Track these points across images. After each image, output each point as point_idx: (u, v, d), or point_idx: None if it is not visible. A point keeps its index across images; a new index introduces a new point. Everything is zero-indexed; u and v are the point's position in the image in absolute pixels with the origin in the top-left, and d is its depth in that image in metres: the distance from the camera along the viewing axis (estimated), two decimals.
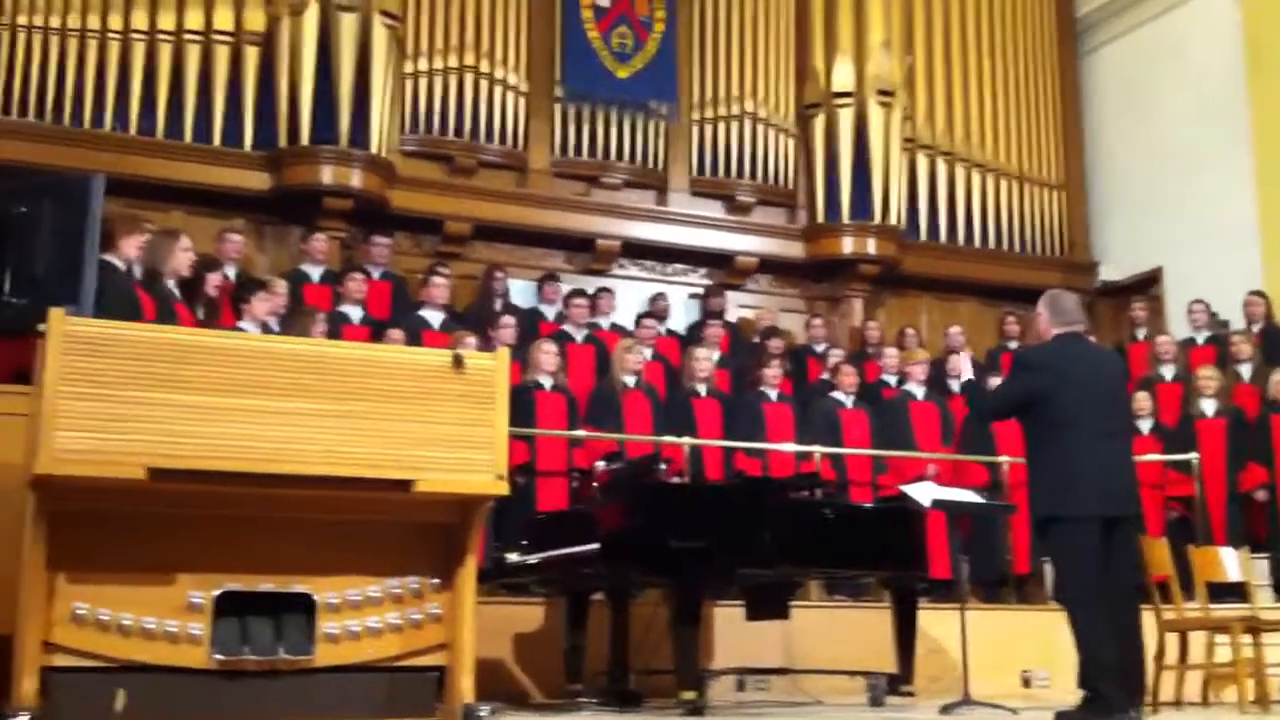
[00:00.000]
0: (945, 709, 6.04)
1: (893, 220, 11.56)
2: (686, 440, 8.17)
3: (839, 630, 7.56)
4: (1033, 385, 5.57)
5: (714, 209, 11.39)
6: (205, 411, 4.36)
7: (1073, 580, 5.43)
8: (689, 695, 5.63)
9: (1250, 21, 11.19)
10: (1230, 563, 7.03)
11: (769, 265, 11.60)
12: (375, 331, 8.31)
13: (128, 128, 9.35)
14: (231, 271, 8.29)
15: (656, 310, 10.33)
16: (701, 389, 8.81)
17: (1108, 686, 5.23)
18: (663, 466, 6.83)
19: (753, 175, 11.44)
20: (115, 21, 9.40)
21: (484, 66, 10.51)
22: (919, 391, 9.35)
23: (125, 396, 4.27)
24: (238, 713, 4.41)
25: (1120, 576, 5.48)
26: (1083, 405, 5.45)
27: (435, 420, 4.68)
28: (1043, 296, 5.84)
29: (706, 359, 8.92)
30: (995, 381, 9.11)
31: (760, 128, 11.49)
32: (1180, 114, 11.87)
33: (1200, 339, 10.35)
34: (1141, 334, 10.72)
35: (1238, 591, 7.46)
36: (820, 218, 11.54)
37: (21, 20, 9.16)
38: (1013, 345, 10.83)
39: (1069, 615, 5.40)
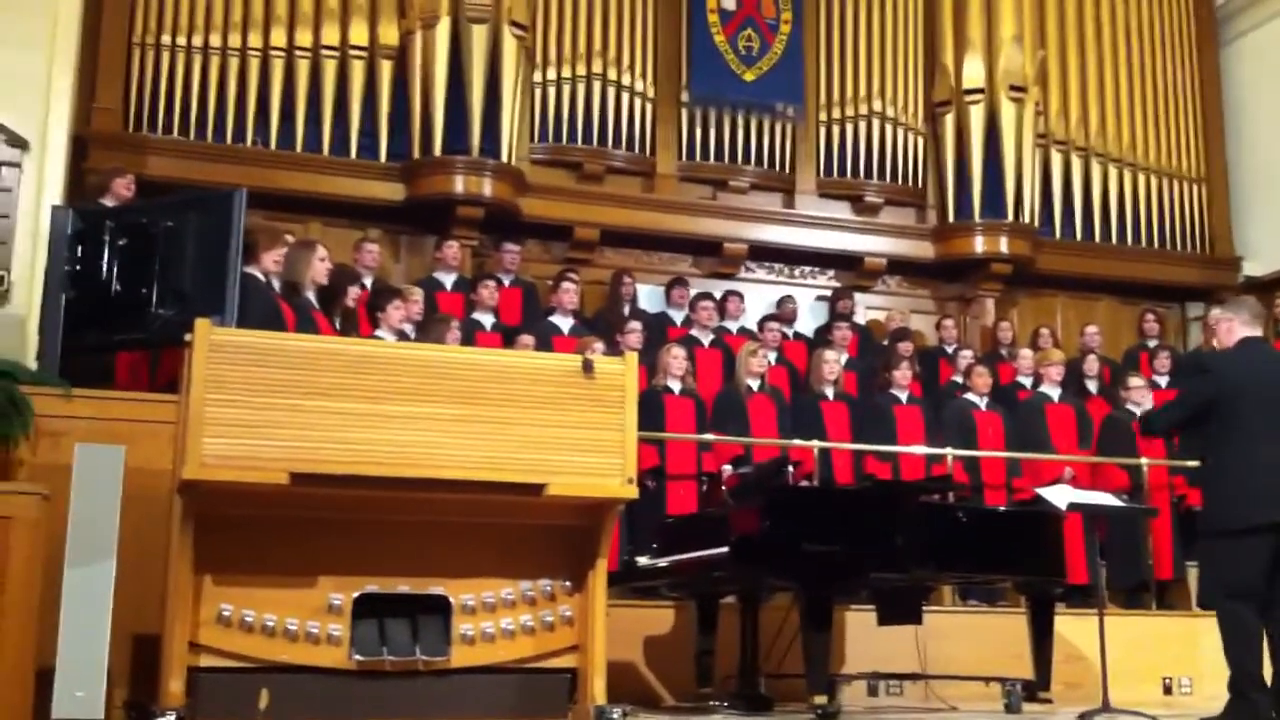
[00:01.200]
0: (1084, 716, 5.92)
1: (1025, 218, 11.34)
2: (816, 443, 8.13)
3: (973, 635, 7.45)
4: (1208, 389, 5.47)
5: (842, 210, 11.31)
6: (344, 417, 4.49)
7: (1232, 585, 5.29)
8: (820, 700, 5.61)
9: None
10: None
11: (898, 266, 11.48)
12: (506, 337, 8.43)
13: (268, 142, 9.63)
14: (368, 281, 8.47)
15: (783, 314, 10.28)
16: (829, 391, 8.76)
17: (1256, 694, 5.15)
18: (790, 469, 6.81)
19: (880, 175, 11.33)
20: (255, 39, 9.67)
21: (611, 74, 10.59)
22: (1054, 393, 9.17)
23: (268, 404, 4.41)
24: (376, 712, 4.53)
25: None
26: (1256, 410, 5.35)
27: (565, 425, 4.75)
28: (1226, 302, 5.74)
29: (834, 361, 8.87)
30: (1135, 381, 8.98)
31: (888, 127, 11.38)
32: None
33: None
34: None
35: None
36: (951, 217, 11.38)
37: (165, 40, 9.49)
38: (1151, 344, 10.57)
39: (1219, 621, 5.30)
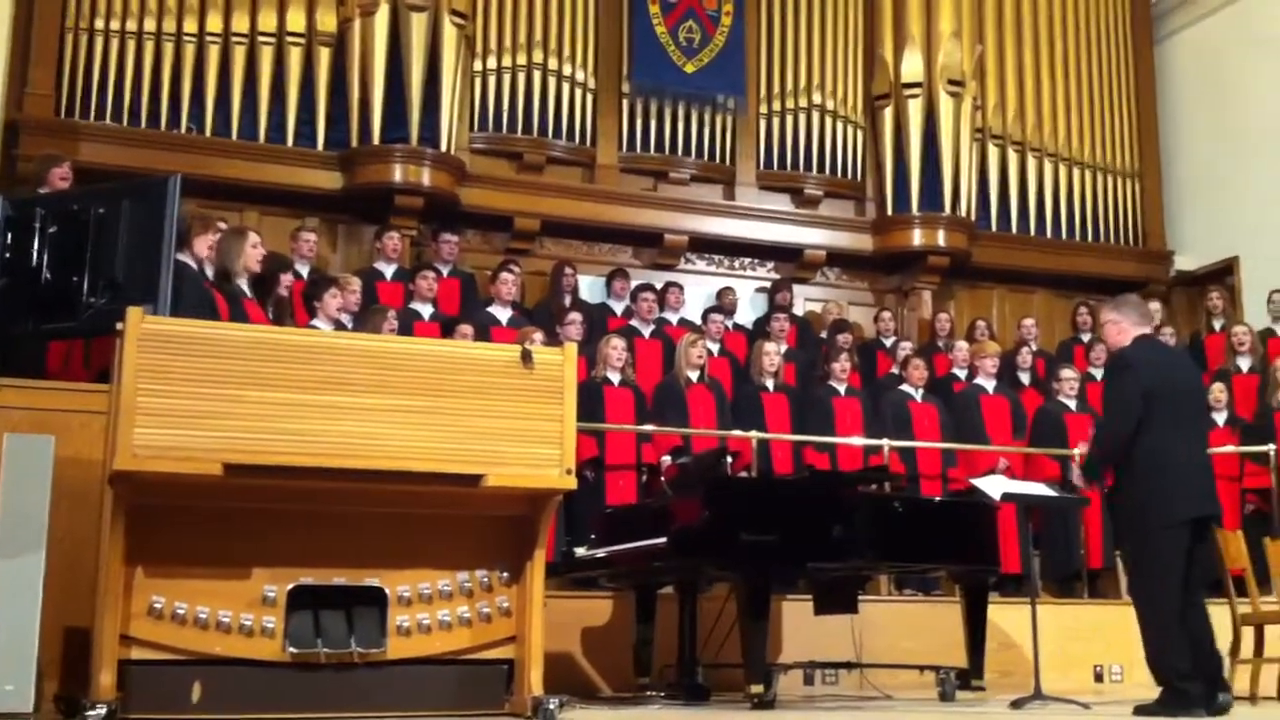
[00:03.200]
0: (1016, 704, 6.00)
1: (963, 211, 11.46)
2: (755, 434, 8.17)
3: (908, 625, 7.53)
4: (1142, 381, 5.48)
5: (782, 202, 11.36)
6: (279, 408, 4.45)
7: (1160, 581, 5.38)
8: (757, 689, 5.63)
9: None
10: None
11: (837, 258, 11.55)
12: (445, 328, 8.40)
13: (204, 129, 9.51)
14: (305, 270, 8.41)
15: (724, 305, 10.32)
16: (769, 383, 8.80)
17: (1187, 683, 5.25)
18: (729, 460, 6.84)
19: (820, 168, 11.39)
20: (190, 25, 9.55)
21: (552, 63, 10.56)
22: (989, 385, 9.27)
23: (201, 394, 4.36)
24: (310, 705, 4.50)
25: (1200, 576, 5.48)
26: (1172, 405, 5.45)
27: (504, 415, 4.73)
28: (1109, 303, 5.81)
29: (774, 353, 8.91)
30: (1067, 374, 9.09)
31: (828, 120, 11.44)
32: (1257, 100, 11.66)
33: (1278, 329, 10.17)
34: (1218, 324, 10.55)
35: None
36: (889, 210, 11.47)
37: (99, 25, 9.35)
38: (1085, 337, 10.71)
39: (1146, 613, 5.42)
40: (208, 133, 9.52)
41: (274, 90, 9.74)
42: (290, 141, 9.75)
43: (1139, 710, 5.37)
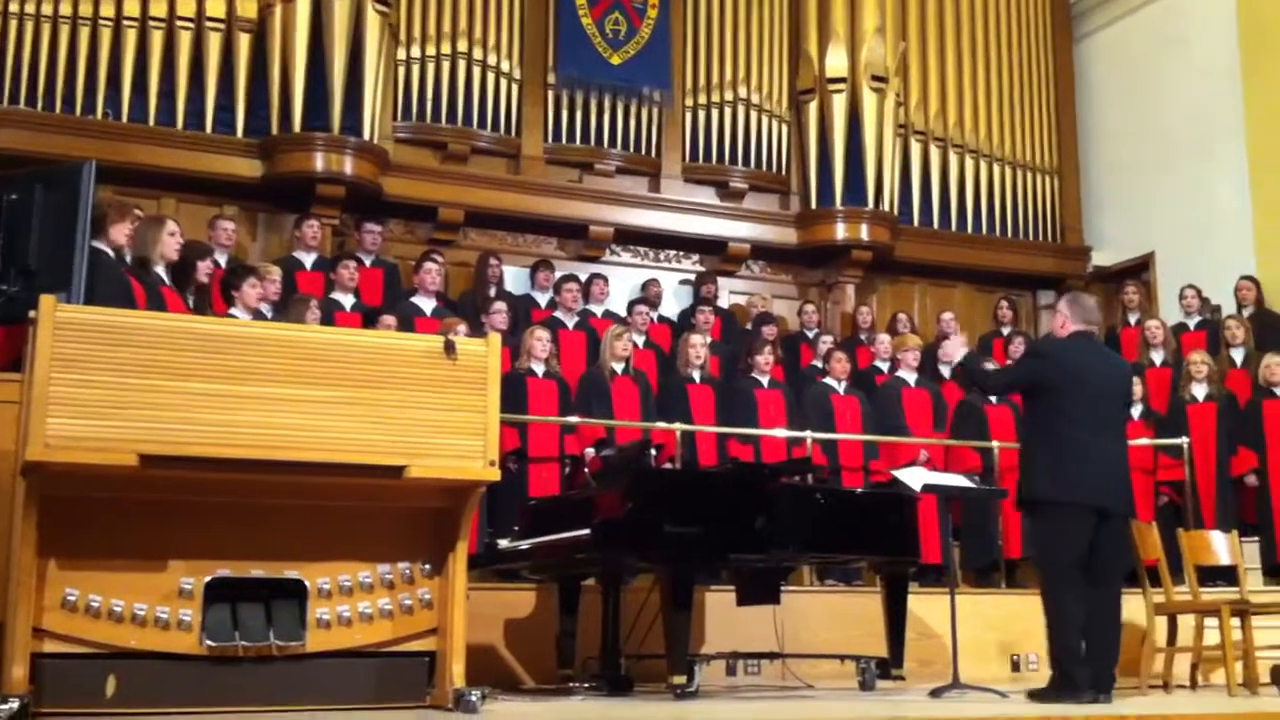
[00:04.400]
0: (935, 692, 6.07)
1: (886, 206, 11.57)
2: (679, 426, 8.19)
3: (830, 615, 7.60)
4: (1039, 374, 5.74)
5: (707, 195, 11.39)
6: (197, 398, 4.37)
7: (1053, 565, 5.55)
8: (679, 680, 5.65)
9: (1245, 7, 11.19)
10: (1220, 546, 7.09)
11: (762, 251, 11.61)
12: (367, 318, 8.32)
13: (120, 115, 9.34)
14: (223, 259, 8.29)
15: (649, 296, 10.34)
16: (695, 375, 8.83)
17: (1075, 669, 5.41)
18: (653, 452, 6.85)
19: (746, 161, 11.44)
20: (107, 8, 9.36)
21: (477, 53, 10.50)
22: (911, 377, 9.37)
23: (117, 383, 4.28)
24: (229, 699, 4.43)
25: (1107, 571, 5.61)
26: (1085, 400, 5.61)
27: (427, 406, 4.69)
28: (1065, 296, 6.09)
29: (699, 345, 8.93)
30: (990, 366, 9.20)
31: (753, 114, 11.49)
32: (1174, 100, 11.88)
33: (1192, 324, 10.39)
34: (1133, 319, 10.73)
35: (1227, 575, 7.51)
36: (813, 204, 11.54)
37: (13, 7, 9.15)
38: (1005, 331, 10.87)
39: (1044, 597, 5.58)
40: (124, 118, 9.34)
41: (192, 76, 9.59)
42: (209, 128, 9.60)
43: (1032, 695, 5.54)
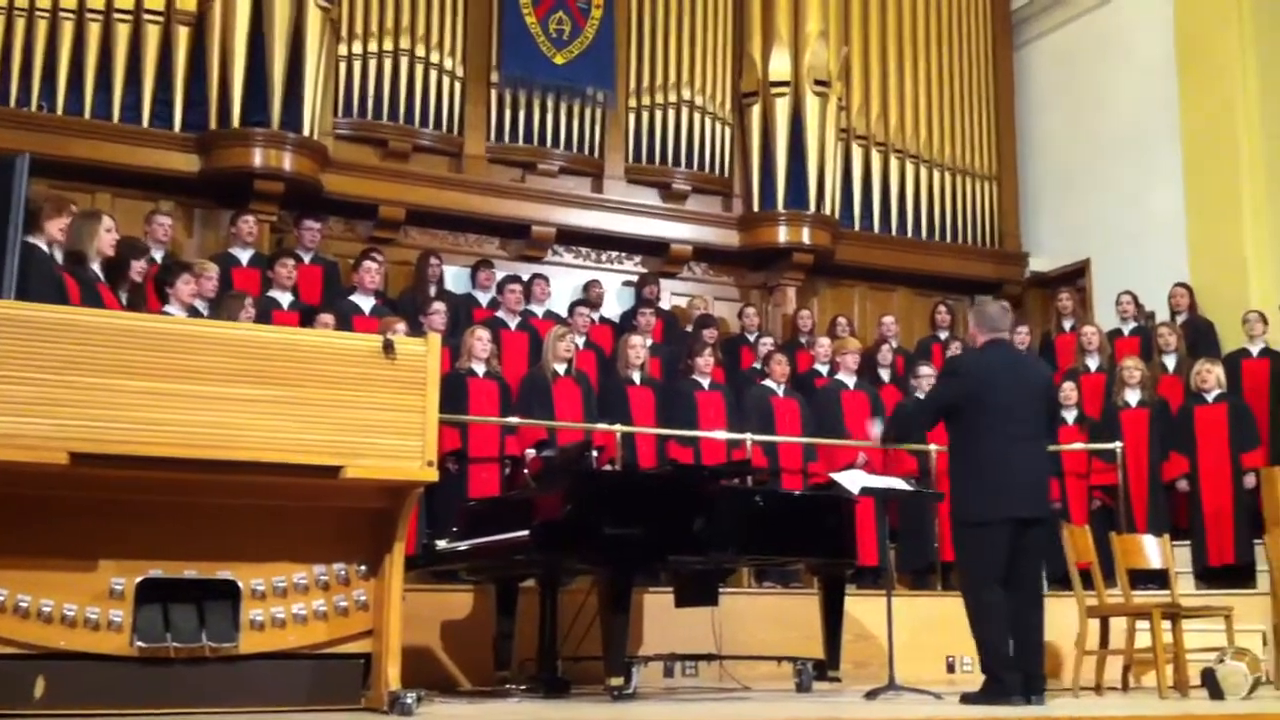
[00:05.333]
0: (871, 694, 6.11)
1: (827, 210, 11.63)
2: (619, 427, 8.19)
3: (767, 617, 7.63)
4: (958, 391, 5.79)
5: (649, 197, 11.39)
6: (130, 396, 4.32)
7: (978, 577, 5.60)
8: (616, 682, 5.65)
9: (1182, 17, 11.34)
10: (1152, 550, 7.17)
11: (704, 253, 11.63)
12: (305, 316, 8.24)
13: (55, 108, 9.18)
14: (159, 255, 8.18)
15: (590, 298, 10.34)
16: (635, 376, 8.83)
17: (1005, 673, 5.48)
18: (594, 454, 6.84)
19: (689, 163, 11.45)
20: None
21: (419, 50, 10.43)
22: (850, 380, 9.43)
23: (48, 380, 4.23)
24: (159, 700, 4.39)
25: (1029, 577, 5.69)
26: (1003, 411, 5.67)
27: (365, 406, 4.66)
28: (972, 309, 6.11)
29: (640, 346, 8.94)
30: (925, 370, 9.29)
31: (697, 116, 11.51)
32: (1112, 108, 12.03)
33: (1126, 330, 10.53)
34: (1068, 324, 10.86)
35: (1159, 579, 7.61)
36: (755, 206, 11.58)
37: None
38: (943, 335, 10.96)
39: (970, 606, 5.64)
40: (60, 111, 9.17)
41: (130, 69, 9.43)
42: (146, 122, 9.46)
43: (964, 698, 5.59)
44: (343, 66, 10.23)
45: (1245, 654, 6.30)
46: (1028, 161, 13.03)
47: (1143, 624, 6.89)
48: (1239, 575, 8.79)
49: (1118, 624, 7.13)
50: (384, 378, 4.71)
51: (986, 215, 12.76)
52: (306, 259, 9.24)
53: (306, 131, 9.65)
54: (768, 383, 9.21)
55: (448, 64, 10.59)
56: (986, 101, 13.02)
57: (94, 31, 9.31)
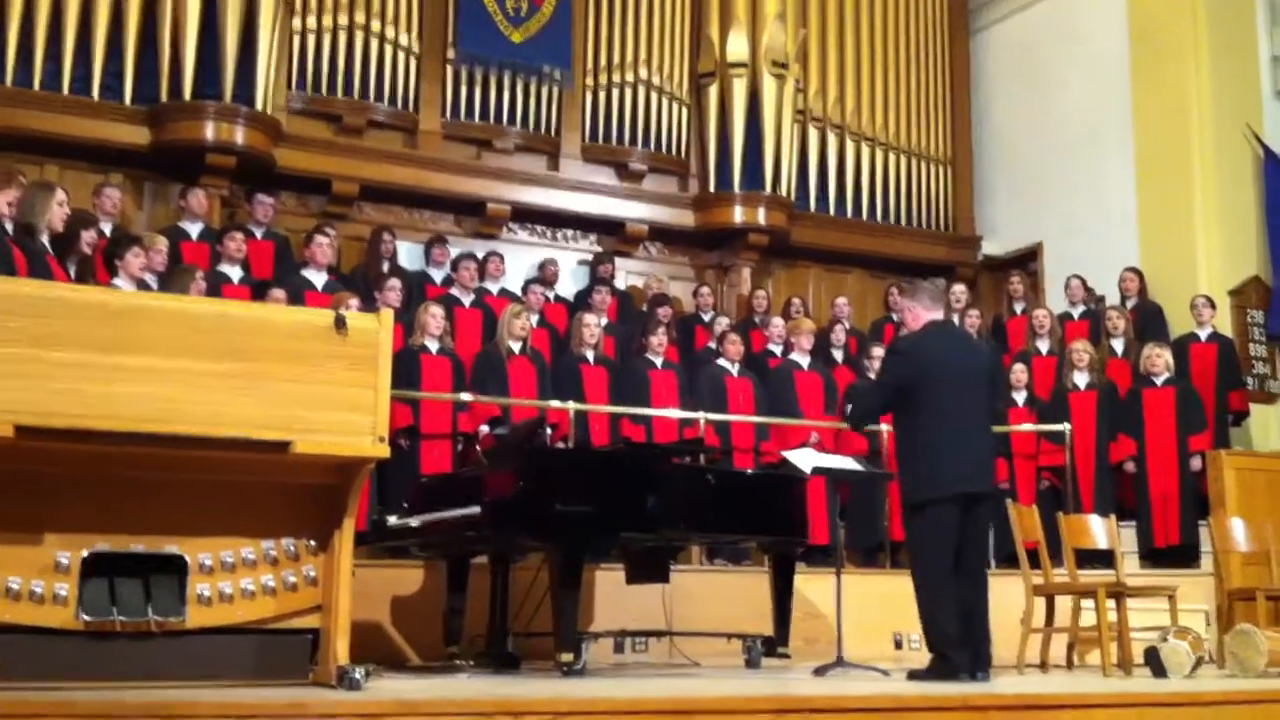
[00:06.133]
0: (819, 670, 6.16)
1: (783, 191, 11.65)
2: (572, 405, 8.19)
3: (718, 594, 7.66)
4: (903, 371, 5.84)
5: (606, 176, 11.38)
6: (76, 369, 4.26)
7: (928, 556, 5.66)
8: (567, 658, 5.66)
9: (1136, 6, 11.44)
10: (1098, 530, 7.27)
11: (659, 233, 11.64)
12: (256, 291, 8.19)
13: (3, 79, 9.04)
14: (108, 228, 8.09)
15: (545, 276, 10.33)
16: (589, 355, 8.83)
17: (952, 651, 5.56)
18: (548, 431, 6.85)
19: (645, 143, 11.44)
20: None
21: (375, 25, 10.35)
22: (804, 361, 9.48)
23: None
24: (105, 674, 4.34)
25: (974, 555, 5.76)
26: (946, 391, 5.73)
27: (315, 381, 4.62)
28: (907, 289, 6.13)
29: (594, 325, 8.94)
30: (878, 351, 9.34)
31: (654, 96, 11.49)
32: (1067, 94, 12.11)
33: (1076, 314, 10.63)
34: (1019, 308, 10.96)
35: (1105, 558, 7.70)
36: (712, 187, 11.59)
37: None
38: (896, 317, 11.01)
39: (919, 588, 5.70)
40: (8, 82, 9.03)
41: (80, 40, 9.29)
42: (96, 94, 9.33)
43: (912, 675, 5.66)
44: (297, 40, 10.13)
45: (1188, 633, 6.38)
46: (982, 146, 13.11)
47: (1088, 603, 6.97)
48: (1183, 556, 8.93)
49: (1063, 603, 7.22)
50: (336, 353, 4.67)
51: (940, 199, 12.83)
52: (258, 234, 9.18)
53: (259, 105, 9.56)
54: (722, 362, 9.23)
55: (403, 40, 10.51)
56: (942, 86, 13.08)
57: (44, 2, 9.17)
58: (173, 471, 4.56)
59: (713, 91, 11.68)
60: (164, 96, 9.43)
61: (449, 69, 10.76)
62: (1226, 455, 8.95)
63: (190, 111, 9.39)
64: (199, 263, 8.24)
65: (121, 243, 7.23)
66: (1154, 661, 6.22)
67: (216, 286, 8.01)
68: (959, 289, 10.83)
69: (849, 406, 6.44)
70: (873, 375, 9.32)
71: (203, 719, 3.58)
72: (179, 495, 4.58)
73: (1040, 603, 7.09)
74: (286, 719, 3.63)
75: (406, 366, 7.81)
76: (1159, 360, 9.21)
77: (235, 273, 8.52)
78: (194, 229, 8.93)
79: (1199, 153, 10.71)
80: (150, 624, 4.43)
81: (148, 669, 4.43)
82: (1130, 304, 10.35)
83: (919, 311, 5.98)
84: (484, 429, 8.00)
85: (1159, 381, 9.19)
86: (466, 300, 9.34)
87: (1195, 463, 8.97)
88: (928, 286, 6.21)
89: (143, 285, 7.08)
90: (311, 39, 10.17)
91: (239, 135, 9.47)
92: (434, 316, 8.28)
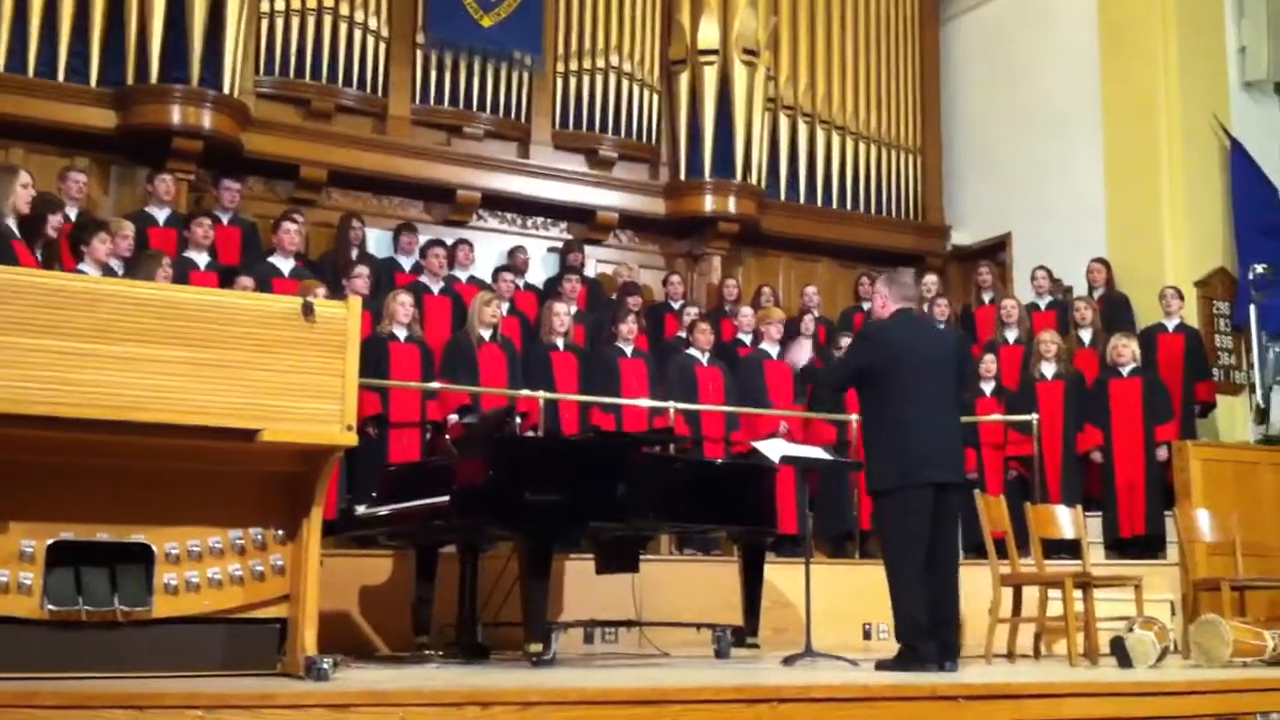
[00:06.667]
0: (788, 660, 6.17)
1: (754, 179, 11.65)
2: (542, 394, 8.17)
3: (688, 584, 7.66)
4: (870, 357, 5.86)
5: (576, 163, 11.34)
6: (43, 355, 4.21)
7: (899, 546, 5.68)
8: (536, 648, 5.65)
9: None
10: (1065, 520, 7.31)
11: (630, 221, 11.62)
12: (223, 278, 8.12)
13: None
14: (73, 212, 8.01)
15: (515, 263, 10.28)
16: (559, 343, 8.81)
17: (920, 641, 5.57)
18: (517, 420, 6.82)
19: (616, 130, 11.41)
20: None
21: (344, 9, 10.27)
22: (774, 350, 9.48)
23: None
24: (71, 664, 4.30)
25: (944, 546, 5.77)
26: (914, 378, 5.75)
27: (283, 369, 4.58)
28: (880, 277, 6.18)
29: (564, 313, 8.92)
30: (847, 341, 9.35)
31: (625, 82, 11.46)
32: (1036, 84, 12.15)
33: (1043, 304, 10.67)
34: (988, 297, 11.00)
35: (1071, 548, 7.74)
36: (682, 175, 11.58)
37: None
38: (866, 306, 11.03)
39: (890, 575, 5.71)
40: None
41: (45, 22, 9.18)
42: (61, 76, 9.23)
43: (880, 665, 5.67)
44: (265, 23, 10.04)
45: (1154, 623, 6.43)
46: (952, 136, 13.14)
47: (1055, 593, 7.01)
48: (1149, 546, 8.99)
49: (1030, 593, 7.25)
50: (303, 340, 4.63)
51: (910, 188, 12.85)
52: (225, 219, 9.10)
53: (227, 89, 9.47)
54: (691, 351, 9.23)
55: (372, 23, 10.44)
56: (912, 75, 13.10)
57: None
58: (139, 460, 4.52)
59: (684, 78, 11.66)
60: (130, 79, 9.34)
61: (418, 53, 10.69)
62: (1192, 446, 9.01)
63: (157, 95, 9.29)
64: (166, 249, 8.17)
65: (87, 228, 7.15)
66: (1120, 651, 6.27)
67: (183, 273, 7.94)
68: (929, 279, 10.87)
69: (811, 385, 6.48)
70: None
71: (170, 709, 3.55)
72: (145, 484, 4.54)
73: (1007, 593, 7.12)
74: (254, 709, 3.60)
75: (375, 354, 7.76)
76: (1125, 351, 9.26)
77: (202, 259, 8.45)
78: (161, 214, 8.84)
79: (1167, 144, 10.77)
80: (116, 613, 4.40)
81: (114, 659, 4.40)
82: (1097, 294, 10.40)
83: (889, 301, 6.01)
84: (453, 417, 7.97)
85: (1125, 372, 9.24)
86: (435, 288, 9.30)
87: (1161, 453, 9.03)
88: (898, 277, 6.25)
89: (108, 271, 7.01)
90: (280, 22, 10.08)
91: (206, 119, 9.39)
92: (403, 304, 8.24)
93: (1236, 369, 10.51)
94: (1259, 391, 10.14)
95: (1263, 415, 10.16)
